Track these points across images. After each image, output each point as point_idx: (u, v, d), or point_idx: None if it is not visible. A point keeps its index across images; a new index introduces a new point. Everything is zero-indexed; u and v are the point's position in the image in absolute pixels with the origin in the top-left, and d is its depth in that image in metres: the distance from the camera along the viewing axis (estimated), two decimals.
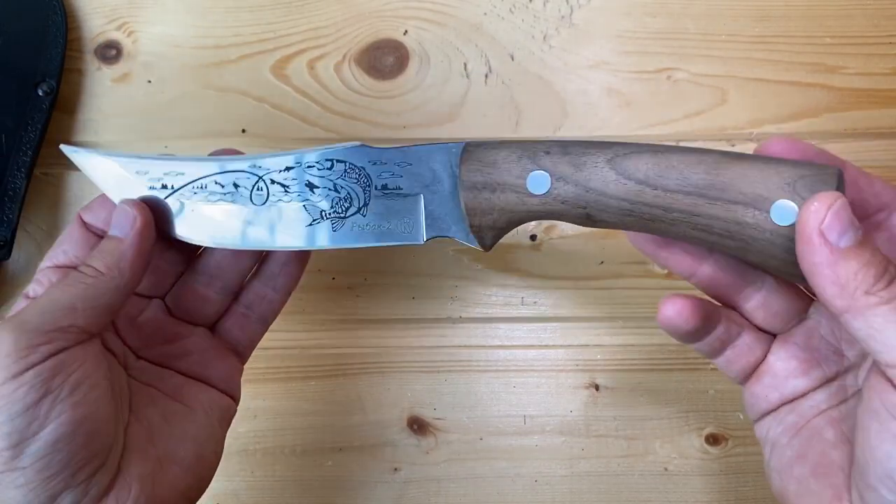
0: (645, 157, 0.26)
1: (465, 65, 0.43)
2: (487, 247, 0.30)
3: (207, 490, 0.41)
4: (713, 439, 0.41)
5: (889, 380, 0.23)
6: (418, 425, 0.42)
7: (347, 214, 0.30)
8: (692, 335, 0.29)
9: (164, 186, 0.31)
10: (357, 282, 0.42)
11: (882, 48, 0.42)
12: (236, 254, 0.33)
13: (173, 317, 0.33)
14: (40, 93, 0.40)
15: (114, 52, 0.43)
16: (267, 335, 0.42)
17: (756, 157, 0.26)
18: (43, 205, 0.42)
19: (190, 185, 0.31)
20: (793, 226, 0.25)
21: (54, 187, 0.42)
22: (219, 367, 0.33)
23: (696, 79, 0.42)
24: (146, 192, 0.31)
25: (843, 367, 0.29)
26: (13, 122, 0.40)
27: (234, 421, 0.42)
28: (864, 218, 0.27)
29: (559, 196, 0.27)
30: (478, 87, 0.42)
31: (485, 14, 0.43)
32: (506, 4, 0.43)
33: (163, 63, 0.43)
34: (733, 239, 0.26)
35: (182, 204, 0.31)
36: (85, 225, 0.31)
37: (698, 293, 0.30)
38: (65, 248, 0.30)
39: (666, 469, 0.41)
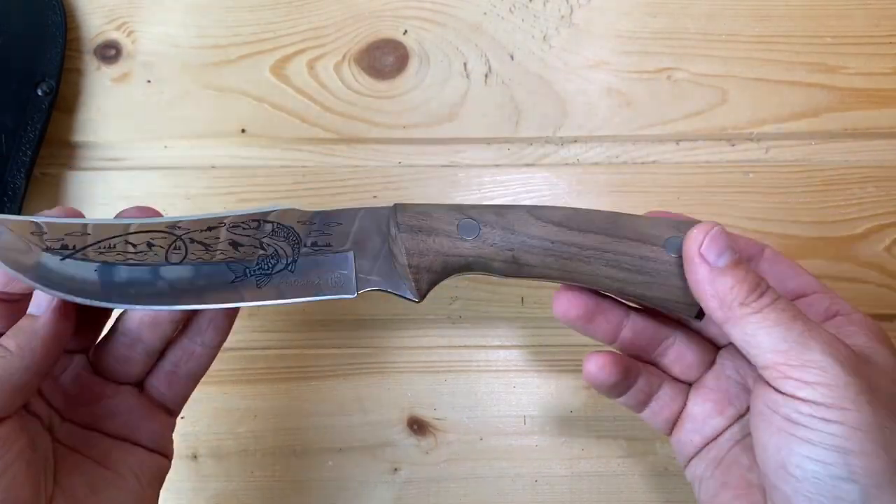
0: (557, 209, 0.30)
1: (465, 65, 0.43)
2: (423, 293, 0.30)
3: (207, 490, 0.41)
4: None
5: (766, 381, 0.26)
6: (418, 425, 0.42)
7: (274, 271, 0.30)
8: (615, 388, 0.31)
9: (65, 247, 0.28)
10: None
11: (882, 48, 0.42)
12: (156, 317, 0.31)
13: (97, 374, 0.32)
14: (40, 93, 0.40)
15: (113, 51, 0.43)
16: (267, 335, 0.42)
17: (640, 215, 0.31)
18: (42, 204, 0.42)
19: (95, 246, 0.28)
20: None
21: (54, 187, 0.42)
22: (147, 427, 0.32)
23: (696, 79, 0.42)
24: (41, 257, 0.28)
25: (747, 402, 0.31)
26: (13, 121, 0.40)
27: (234, 421, 0.42)
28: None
29: (488, 239, 0.30)
30: (478, 87, 0.42)
31: (485, 14, 0.43)
32: (506, 4, 0.43)
33: (162, 63, 0.43)
34: (640, 273, 0.29)
35: (87, 266, 0.28)
36: None
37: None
38: None
39: (666, 469, 0.41)
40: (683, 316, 0.30)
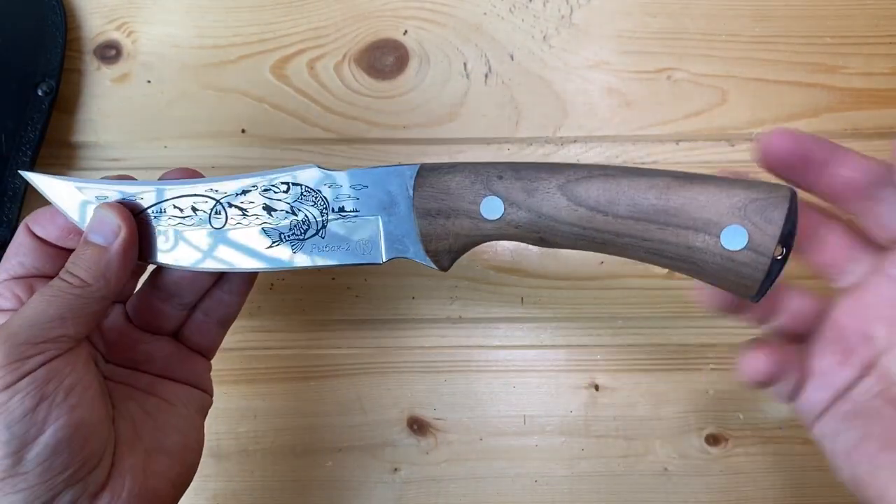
0: (596, 182, 0.26)
1: (465, 65, 0.43)
2: (445, 268, 0.30)
3: (207, 490, 0.41)
4: (713, 439, 0.41)
5: None
6: (418, 425, 0.42)
7: (306, 237, 0.30)
8: (774, 383, 0.30)
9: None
10: (357, 282, 0.42)
11: (882, 48, 0.42)
12: (195, 273, 0.33)
13: (133, 325, 0.34)
14: (40, 93, 0.40)
15: (113, 52, 0.43)
16: (267, 335, 0.42)
17: (708, 180, 0.26)
18: (42, 205, 0.42)
19: (149, 210, 0.31)
20: (743, 250, 0.25)
21: None
22: (185, 369, 0.34)
23: (696, 79, 0.42)
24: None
25: (875, 351, 0.29)
26: (13, 122, 0.40)
27: (234, 421, 0.42)
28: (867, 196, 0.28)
29: (512, 221, 0.28)
30: (478, 87, 0.42)
31: (485, 14, 0.43)
32: (505, 4, 0.43)
33: (162, 63, 0.43)
34: (685, 262, 0.26)
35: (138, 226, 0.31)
36: (34, 235, 0.31)
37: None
38: (20, 259, 0.30)
39: (666, 469, 0.41)
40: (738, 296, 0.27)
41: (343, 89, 0.42)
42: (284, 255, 0.31)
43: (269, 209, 0.30)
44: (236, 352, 0.42)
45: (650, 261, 0.27)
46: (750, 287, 0.26)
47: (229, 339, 0.42)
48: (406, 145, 0.42)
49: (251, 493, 0.42)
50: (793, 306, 0.30)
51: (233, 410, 0.42)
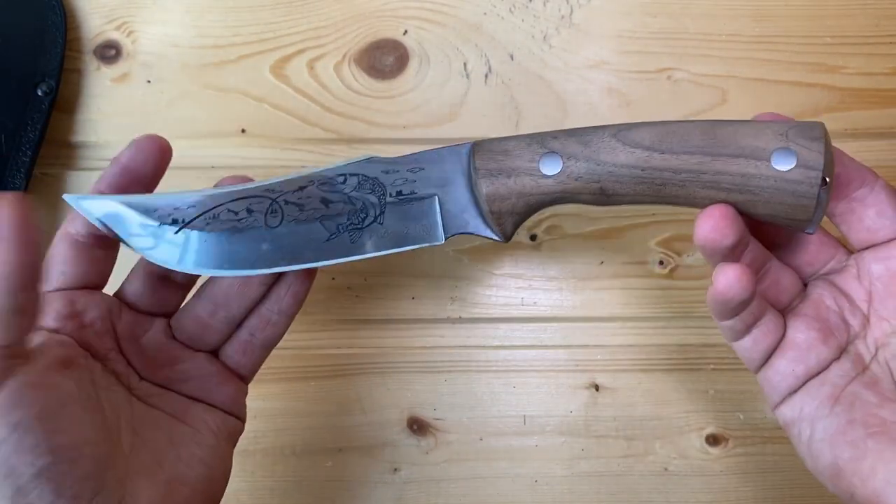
0: (645, 127, 0.28)
1: (465, 65, 0.43)
2: (508, 235, 0.31)
3: None
4: (713, 439, 0.41)
5: None
6: (418, 425, 0.42)
7: (365, 224, 0.30)
8: (742, 305, 0.29)
9: (175, 221, 0.30)
10: (357, 282, 0.42)
11: (882, 48, 0.42)
12: (244, 284, 0.32)
13: (175, 339, 0.33)
14: (39, 93, 0.40)
15: (113, 51, 0.43)
16: None
17: (744, 121, 0.28)
18: (42, 205, 0.42)
19: (202, 217, 0.30)
20: (794, 169, 0.27)
21: (54, 187, 0.42)
22: (222, 392, 0.33)
23: (696, 79, 0.42)
24: (159, 232, 0.30)
25: (850, 335, 0.30)
26: (12, 122, 0.40)
27: None
28: (847, 195, 0.30)
29: (572, 173, 0.28)
30: (478, 87, 0.42)
31: (485, 14, 0.43)
32: (506, 4, 0.43)
33: (162, 63, 0.43)
34: (741, 192, 0.27)
35: (190, 236, 0.30)
36: (73, 240, 0.30)
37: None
38: (61, 268, 0.29)
39: (666, 469, 0.41)
40: (794, 229, 0.29)
41: (343, 89, 0.42)
42: (344, 245, 0.30)
43: (326, 202, 0.30)
44: None
45: (708, 196, 0.28)
46: (807, 206, 0.27)
47: None
48: (406, 145, 0.42)
49: (251, 493, 0.42)
50: (783, 281, 0.31)
51: None
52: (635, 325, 0.42)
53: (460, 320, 0.42)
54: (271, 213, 0.30)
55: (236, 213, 0.30)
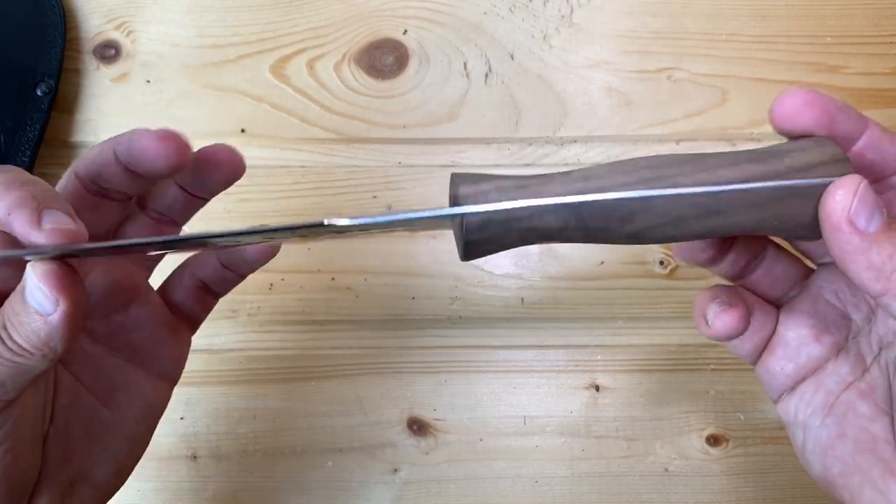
0: (676, 228, 0.24)
1: (464, 64, 0.42)
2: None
3: (207, 490, 0.41)
4: (714, 440, 0.41)
5: None
6: (418, 426, 0.42)
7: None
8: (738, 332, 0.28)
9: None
10: (357, 282, 0.42)
11: (883, 48, 0.42)
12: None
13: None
14: (39, 93, 0.40)
15: (112, 51, 0.43)
16: (267, 336, 0.42)
17: (775, 197, 0.24)
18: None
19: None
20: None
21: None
22: (169, 346, 0.30)
23: (696, 78, 0.42)
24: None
25: (851, 332, 0.28)
26: (12, 121, 0.39)
27: (234, 421, 0.42)
28: (881, 179, 0.26)
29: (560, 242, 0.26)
30: (478, 87, 0.42)
31: (485, 13, 0.43)
32: (506, 4, 0.43)
33: (162, 63, 0.43)
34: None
35: None
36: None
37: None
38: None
39: (666, 470, 0.41)
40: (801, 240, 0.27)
41: (343, 89, 0.42)
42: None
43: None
44: (236, 352, 0.42)
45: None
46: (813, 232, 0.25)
47: (229, 339, 0.42)
48: (406, 145, 0.42)
49: (251, 494, 0.42)
50: (776, 271, 0.29)
51: (233, 411, 0.42)
52: (635, 325, 0.42)
53: (460, 320, 0.42)
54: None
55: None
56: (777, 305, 0.30)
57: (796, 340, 0.28)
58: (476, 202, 0.24)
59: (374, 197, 0.42)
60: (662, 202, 0.24)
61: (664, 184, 0.24)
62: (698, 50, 0.42)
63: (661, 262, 0.42)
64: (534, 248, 0.42)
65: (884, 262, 0.22)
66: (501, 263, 0.42)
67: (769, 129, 0.43)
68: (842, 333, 0.28)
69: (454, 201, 0.25)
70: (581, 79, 0.42)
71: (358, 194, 0.42)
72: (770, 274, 0.29)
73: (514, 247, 0.25)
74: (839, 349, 0.28)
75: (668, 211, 0.24)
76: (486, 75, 0.42)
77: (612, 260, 0.42)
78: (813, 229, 0.24)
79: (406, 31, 0.43)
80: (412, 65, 0.42)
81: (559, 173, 0.25)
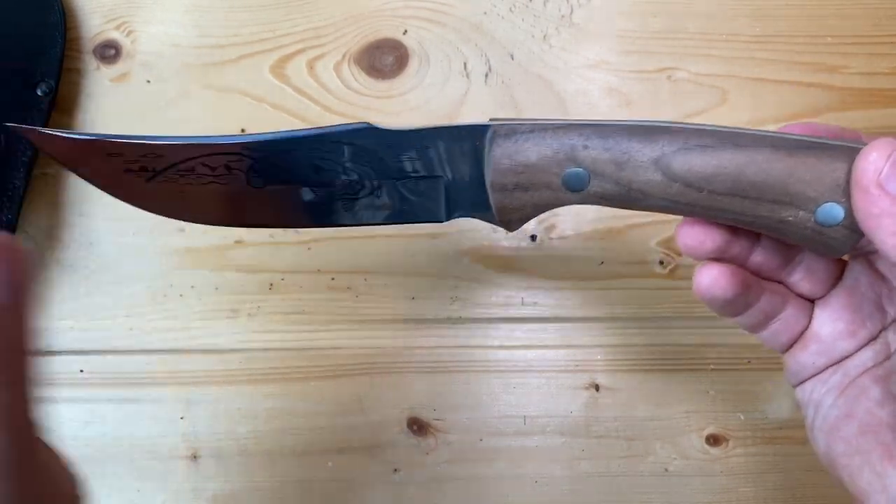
0: (694, 155, 0.24)
1: (464, 64, 0.42)
2: (513, 230, 0.28)
3: (207, 490, 0.41)
4: (714, 440, 0.41)
5: None
6: (418, 426, 0.42)
7: (360, 196, 0.28)
8: (730, 305, 0.28)
9: (143, 169, 0.27)
10: (357, 282, 0.42)
11: (883, 48, 0.42)
12: None
13: None
14: (39, 93, 0.40)
15: (113, 51, 0.43)
16: (267, 335, 0.42)
17: (812, 148, 0.24)
18: (42, 205, 0.42)
19: (173, 168, 0.27)
20: (836, 227, 0.24)
21: (53, 187, 0.42)
22: None
23: (696, 78, 0.42)
24: (122, 175, 0.27)
25: (885, 324, 0.28)
26: (12, 121, 0.39)
27: (234, 422, 0.42)
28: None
29: (598, 192, 0.26)
30: (478, 87, 0.42)
31: (485, 13, 0.43)
32: (506, 4, 0.43)
33: (162, 63, 0.43)
34: (772, 231, 0.26)
35: (172, 187, 0.28)
36: None
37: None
38: None
39: (666, 470, 0.41)
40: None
41: (343, 89, 0.42)
42: (336, 212, 0.28)
43: (317, 169, 0.27)
44: (236, 352, 0.42)
45: (735, 224, 0.26)
46: (839, 251, 0.26)
47: (229, 339, 0.42)
48: None
49: (251, 494, 0.42)
50: (817, 270, 0.28)
51: (233, 411, 0.42)
52: (635, 325, 0.42)
53: (460, 320, 0.42)
54: (253, 172, 0.27)
55: (213, 169, 0.27)
56: (811, 299, 0.29)
57: (831, 336, 0.28)
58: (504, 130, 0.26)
59: None
60: (686, 130, 0.24)
61: (692, 127, 0.24)
62: (698, 50, 0.42)
63: (661, 262, 0.42)
64: (534, 248, 0.42)
65: None
66: (501, 263, 0.42)
67: (769, 129, 0.43)
68: (876, 326, 0.28)
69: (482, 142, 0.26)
70: (581, 79, 0.42)
71: None
72: (811, 275, 0.29)
73: (539, 184, 0.26)
74: (871, 339, 0.28)
75: (690, 138, 0.24)
76: (486, 75, 0.42)
77: (612, 260, 0.42)
78: (847, 198, 0.24)
79: (406, 31, 0.43)
80: (412, 65, 0.42)
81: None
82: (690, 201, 0.25)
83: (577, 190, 0.26)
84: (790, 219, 0.25)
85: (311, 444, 0.42)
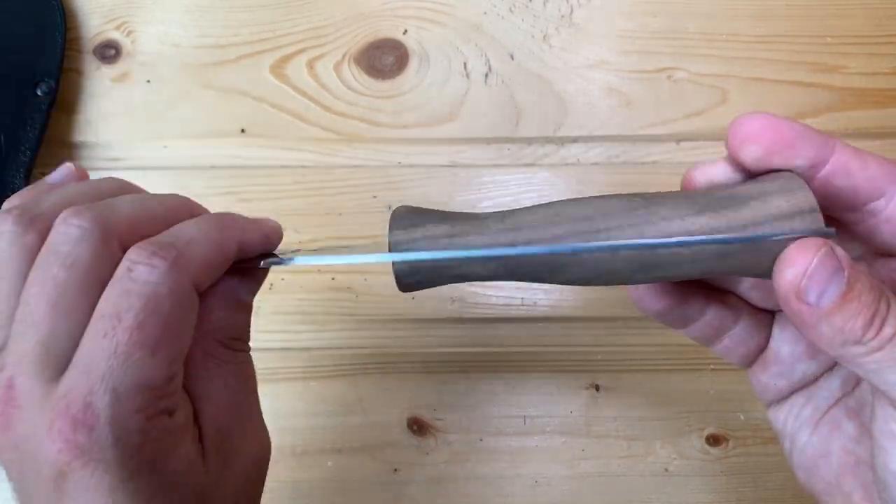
0: (611, 279, 0.24)
1: (464, 64, 0.42)
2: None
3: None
4: (714, 440, 0.41)
5: None
6: (418, 426, 0.42)
7: None
8: (665, 317, 0.27)
9: None
10: (357, 282, 0.42)
11: (883, 48, 0.42)
12: None
13: None
14: (39, 93, 0.40)
15: (113, 51, 0.43)
16: (267, 335, 0.42)
17: (731, 255, 0.23)
18: None
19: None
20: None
21: None
22: None
23: (696, 78, 0.42)
24: None
25: None
26: (12, 122, 0.40)
27: None
28: (857, 208, 0.24)
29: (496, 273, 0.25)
30: (478, 87, 0.42)
31: (485, 13, 0.43)
32: (506, 4, 0.43)
33: (162, 63, 0.43)
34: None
35: None
36: None
37: None
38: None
39: (666, 470, 0.41)
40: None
41: (343, 89, 0.42)
42: None
43: None
44: None
45: None
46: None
47: None
48: (406, 145, 0.42)
49: None
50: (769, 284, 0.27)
51: None
52: (635, 325, 0.42)
53: (460, 320, 0.42)
54: None
55: None
56: (772, 312, 0.28)
57: (791, 357, 0.27)
58: (407, 250, 0.24)
59: (374, 197, 0.42)
60: (594, 257, 0.23)
61: (598, 238, 0.23)
62: (698, 50, 0.42)
63: None
64: None
65: (834, 335, 0.21)
66: None
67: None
68: None
69: (389, 245, 0.25)
70: (581, 79, 0.42)
71: (358, 194, 0.42)
72: (761, 285, 0.27)
73: (451, 283, 0.25)
74: (833, 364, 0.27)
75: (600, 265, 0.23)
76: (486, 75, 0.42)
77: None
78: (767, 275, 0.22)
79: (406, 31, 0.43)
80: (412, 65, 0.42)
81: (494, 216, 0.24)
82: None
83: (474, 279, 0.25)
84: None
85: (310, 445, 0.42)
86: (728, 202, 0.23)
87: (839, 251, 0.21)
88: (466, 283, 0.42)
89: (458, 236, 0.24)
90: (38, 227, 0.22)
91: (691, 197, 0.23)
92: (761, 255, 0.22)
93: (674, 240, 0.22)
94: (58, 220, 0.22)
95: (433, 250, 0.24)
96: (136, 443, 0.20)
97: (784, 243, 0.22)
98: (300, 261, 0.26)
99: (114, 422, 0.20)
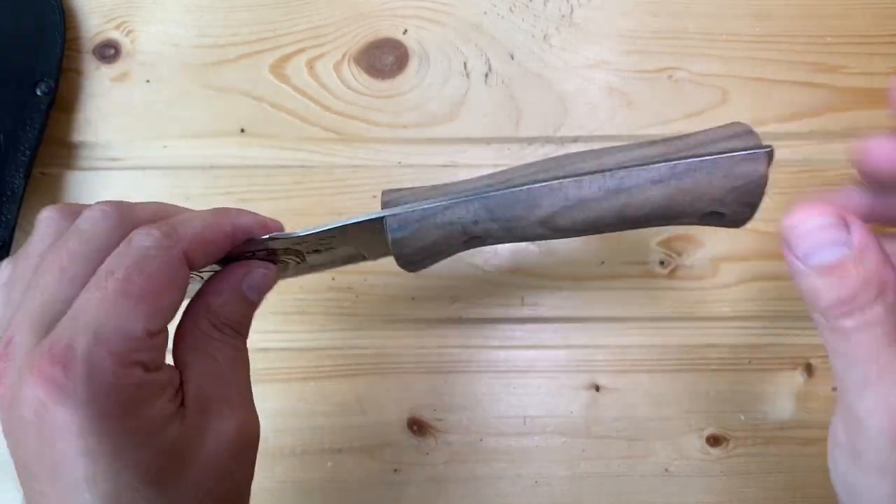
0: (576, 211, 0.26)
1: (464, 64, 0.42)
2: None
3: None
4: (714, 440, 0.41)
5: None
6: (418, 426, 0.42)
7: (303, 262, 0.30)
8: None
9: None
10: (357, 282, 0.42)
11: (883, 48, 0.42)
12: None
13: None
14: (39, 93, 0.40)
15: (112, 51, 0.43)
16: (267, 335, 0.42)
17: (691, 169, 0.25)
18: (41, 205, 0.41)
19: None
20: (723, 219, 0.26)
21: (53, 187, 0.42)
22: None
23: (696, 78, 0.42)
24: None
25: None
26: (12, 121, 0.39)
27: None
28: None
29: (494, 243, 0.28)
30: (478, 87, 0.42)
31: (485, 13, 0.43)
32: (506, 3, 0.43)
33: (161, 62, 0.43)
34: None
35: None
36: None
37: None
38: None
39: (667, 470, 0.41)
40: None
41: (342, 89, 0.42)
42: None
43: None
44: None
45: None
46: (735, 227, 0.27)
47: None
48: (406, 145, 0.42)
49: (251, 494, 0.41)
50: None
51: None
52: (635, 325, 0.42)
53: (460, 320, 0.42)
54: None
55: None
56: None
57: None
58: (394, 206, 0.27)
59: (374, 197, 0.42)
60: (564, 187, 0.25)
61: (565, 171, 0.26)
62: (698, 50, 0.42)
63: (662, 262, 0.42)
64: (533, 247, 0.42)
65: (810, 297, 0.22)
66: (501, 263, 0.42)
67: (770, 128, 0.43)
68: None
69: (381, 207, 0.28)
70: (581, 78, 0.42)
71: (358, 194, 0.42)
72: None
73: (444, 251, 0.28)
74: None
75: (570, 193, 0.25)
76: (486, 75, 0.42)
77: (612, 260, 0.42)
78: (727, 204, 0.25)
79: (406, 30, 0.43)
80: (412, 65, 0.42)
81: (473, 178, 0.27)
82: (587, 233, 0.27)
83: (478, 245, 0.28)
84: (677, 224, 0.27)
85: (311, 444, 0.42)
86: (680, 137, 0.26)
87: (859, 230, 0.22)
88: (466, 282, 0.42)
89: (439, 188, 0.27)
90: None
91: (649, 141, 0.27)
92: (713, 175, 0.25)
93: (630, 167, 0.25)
94: (88, 207, 0.24)
95: (418, 201, 0.27)
96: (107, 382, 0.21)
97: (730, 161, 0.24)
98: (302, 233, 0.27)
99: (89, 359, 0.21)
